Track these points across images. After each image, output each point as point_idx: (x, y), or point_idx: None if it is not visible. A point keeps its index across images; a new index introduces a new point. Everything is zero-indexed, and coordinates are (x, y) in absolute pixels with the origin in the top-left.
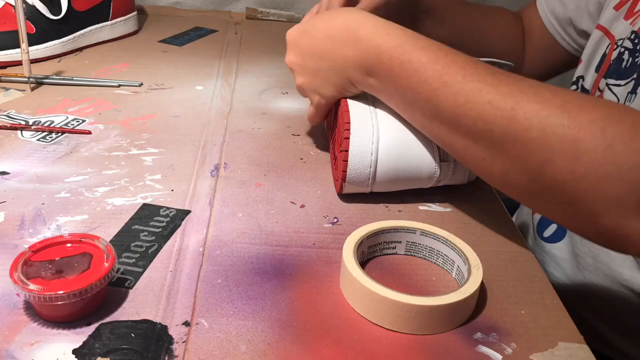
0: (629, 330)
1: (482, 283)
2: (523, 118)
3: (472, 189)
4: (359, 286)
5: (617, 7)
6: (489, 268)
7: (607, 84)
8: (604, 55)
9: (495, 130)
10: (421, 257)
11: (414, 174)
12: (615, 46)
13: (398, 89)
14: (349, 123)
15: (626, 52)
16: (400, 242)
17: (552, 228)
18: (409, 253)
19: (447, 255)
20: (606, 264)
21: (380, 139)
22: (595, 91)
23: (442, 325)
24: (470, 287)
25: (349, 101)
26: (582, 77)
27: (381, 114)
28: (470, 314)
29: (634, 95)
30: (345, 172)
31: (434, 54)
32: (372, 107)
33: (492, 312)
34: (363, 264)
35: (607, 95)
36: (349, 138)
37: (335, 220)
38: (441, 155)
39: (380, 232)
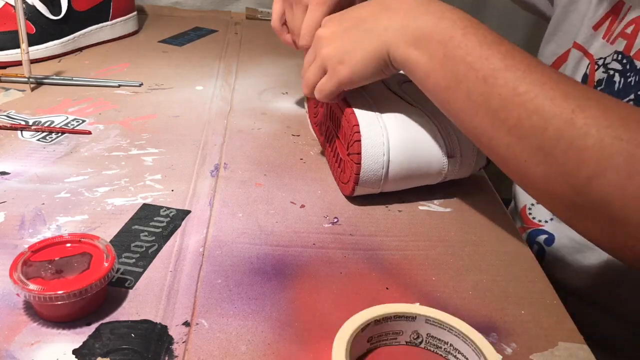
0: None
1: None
2: (582, 123)
3: (472, 189)
4: None
5: (595, 27)
6: (488, 268)
7: None
8: (585, 75)
9: (550, 130)
10: (426, 349)
11: (424, 171)
12: (596, 66)
13: (446, 65)
14: (358, 125)
15: (616, 74)
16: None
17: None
18: (412, 344)
19: (457, 349)
20: None
21: (390, 138)
22: None
23: None
24: None
25: (351, 101)
26: None
27: (384, 112)
28: None
29: None
30: (359, 175)
31: (496, 38)
32: (374, 105)
33: (492, 312)
34: (362, 356)
35: None
36: (360, 140)
37: (335, 220)
38: (448, 151)
39: (381, 321)
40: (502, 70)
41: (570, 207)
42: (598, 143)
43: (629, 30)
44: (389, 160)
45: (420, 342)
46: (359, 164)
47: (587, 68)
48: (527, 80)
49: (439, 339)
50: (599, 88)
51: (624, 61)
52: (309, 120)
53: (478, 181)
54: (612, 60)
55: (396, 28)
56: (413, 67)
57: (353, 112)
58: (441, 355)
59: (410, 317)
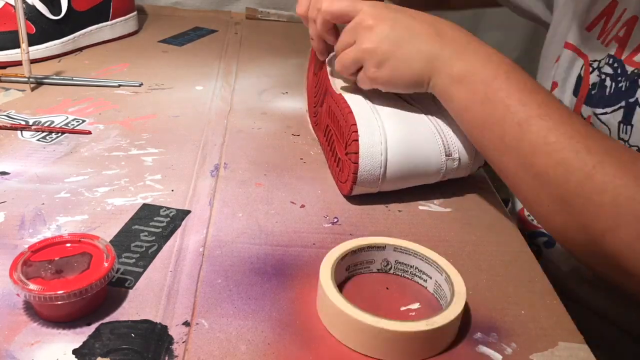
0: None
1: (465, 305)
2: (600, 180)
3: (472, 189)
4: (335, 310)
5: (589, 28)
6: (488, 268)
7: (594, 114)
8: (579, 77)
9: (572, 182)
10: (394, 274)
11: (422, 171)
12: (590, 68)
13: (486, 104)
14: (356, 125)
15: (607, 78)
16: (374, 260)
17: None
18: (382, 270)
19: (422, 270)
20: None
21: (387, 138)
22: None
23: (419, 352)
24: (451, 313)
25: (349, 101)
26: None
27: (382, 111)
28: (452, 340)
29: (628, 127)
30: (356, 174)
31: (535, 86)
32: (372, 105)
33: (492, 312)
34: (342, 283)
35: (597, 125)
36: (357, 140)
37: (335, 220)
38: (446, 150)
39: (356, 251)
40: (536, 118)
41: (586, 254)
42: (613, 200)
43: (621, 33)
44: (386, 160)
45: (390, 269)
46: (357, 163)
47: (581, 69)
48: (557, 131)
49: (406, 264)
50: (592, 92)
51: (615, 65)
52: (309, 119)
53: (478, 181)
54: (605, 64)
55: (445, 60)
56: (451, 100)
57: (351, 112)
58: (408, 277)
59: (381, 247)
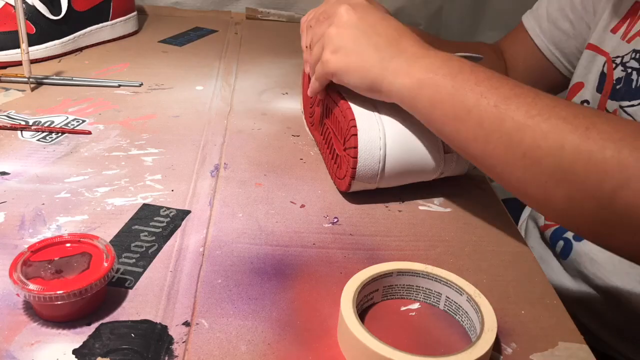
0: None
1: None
2: (598, 138)
3: (472, 189)
4: (360, 346)
5: (614, 30)
6: (489, 268)
7: (620, 107)
8: (603, 74)
9: (567, 147)
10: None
11: (420, 167)
12: (613, 64)
13: (455, 96)
14: (354, 119)
15: (634, 72)
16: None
17: (561, 244)
18: (385, 297)
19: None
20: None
21: (386, 133)
22: None
23: None
24: (483, 346)
25: (347, 97)
26: (587, 101)
27: (381, 107)
28: None
29: None
30: (355, 169)
31: (502, 75)
32: (370, 100)
33: None
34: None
35: (623, 117)
36: (356, 135)
37: (335, 220)
38: (445, 147)
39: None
40: (512, 97)
41: (595, 223)
42: (617, 154)
43: None
44: (385, 155)
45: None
46: (356, 158)
47: (603, 66)
48: (538, 104)
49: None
50: (617, 86)
51: None
52: (304, 121)
53: (478, 181)
54: (630, 58)
55: (400, 65)
56: (415, 101)
57: (349, 107)
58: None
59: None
